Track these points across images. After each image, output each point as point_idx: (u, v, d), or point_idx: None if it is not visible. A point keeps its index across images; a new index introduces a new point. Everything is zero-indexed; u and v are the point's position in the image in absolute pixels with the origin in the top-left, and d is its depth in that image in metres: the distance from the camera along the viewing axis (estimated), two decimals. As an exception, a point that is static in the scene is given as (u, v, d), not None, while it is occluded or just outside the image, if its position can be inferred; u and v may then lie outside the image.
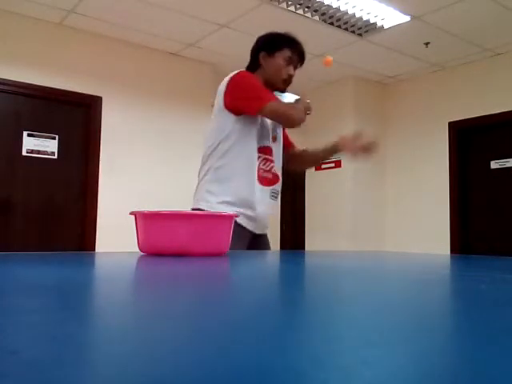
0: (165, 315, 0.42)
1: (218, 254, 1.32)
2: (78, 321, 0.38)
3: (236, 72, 1.99)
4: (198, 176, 2.08)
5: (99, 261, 1.33)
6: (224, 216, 1.41)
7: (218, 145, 1.97)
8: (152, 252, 1.30)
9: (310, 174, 5.91)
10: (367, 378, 0.24)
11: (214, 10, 4.00)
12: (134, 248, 1.39)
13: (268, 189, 2.01)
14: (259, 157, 1.97)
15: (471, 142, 5.09)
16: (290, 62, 2.00)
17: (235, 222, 1.43)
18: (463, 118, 5.02)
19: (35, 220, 4.15)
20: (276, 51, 1.99)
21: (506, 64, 4.73)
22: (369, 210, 5.53)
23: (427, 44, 4.57)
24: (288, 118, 1.93)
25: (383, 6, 3.90)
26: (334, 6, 3.92)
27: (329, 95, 5.71)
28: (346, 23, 4.22)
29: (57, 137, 4.29)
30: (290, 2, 3.86)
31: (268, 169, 2.00)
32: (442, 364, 0.27)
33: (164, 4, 3.91)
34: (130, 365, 0.25)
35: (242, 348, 0.29)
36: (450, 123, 5.13)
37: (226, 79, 1.98)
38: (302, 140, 6.22)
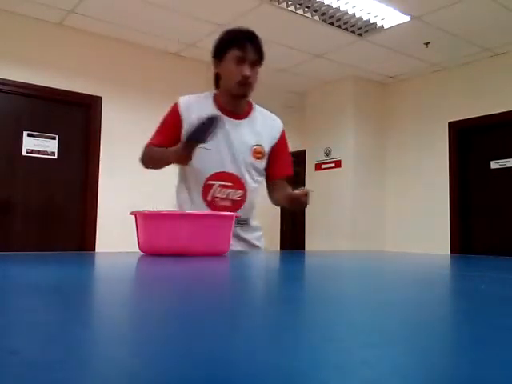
0: (165, 315, 0.42)
1: (219, 254, 1.31)
2: (78, 321, 0.38)
3: None
4: None
5: (99, 261, 1.33)
6: (224, 216, 1.41)
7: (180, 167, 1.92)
8: (152, 252, 1.30)
9: (310, 174, 5.91)
10: (367, 378, 0.24)
11: (214, 10, 3.99)
12: (134, 248, 1.38)
13: None
14: (212, 184, 1.80)
15: (471, 142, 5.08)
16: (241, 61, 1.76)
17: None
18: (463, 118, 5.02)
19: (35, 220, 4.15)
20: (224, 54, 1.80)
21: (506, 64, 4.73)
22: (369, 209, 5.52)
23: (427, 44, 4.57)
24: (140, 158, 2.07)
25: (383, 5, 3.90)
26: (334, 5, 3.92)
27: (329, 95, 5.71)
28: (346, 23, 4.22)
29: (57, 137, 4.28)
30: (289, 2, 3.85)
31: (225, 196, 1.80)
32: (442, 364, 0.27)
33: (164, 4, 3.91)
34: (130, 365, 0.25)
35: (242, 348, 0.29)
36: (450, 123, 5.13)
37: None
38: (302, 140, 6.27)
